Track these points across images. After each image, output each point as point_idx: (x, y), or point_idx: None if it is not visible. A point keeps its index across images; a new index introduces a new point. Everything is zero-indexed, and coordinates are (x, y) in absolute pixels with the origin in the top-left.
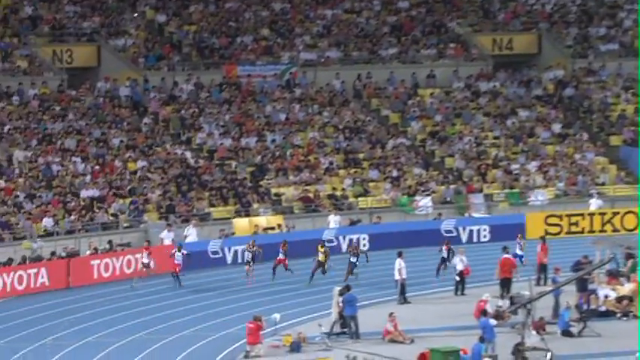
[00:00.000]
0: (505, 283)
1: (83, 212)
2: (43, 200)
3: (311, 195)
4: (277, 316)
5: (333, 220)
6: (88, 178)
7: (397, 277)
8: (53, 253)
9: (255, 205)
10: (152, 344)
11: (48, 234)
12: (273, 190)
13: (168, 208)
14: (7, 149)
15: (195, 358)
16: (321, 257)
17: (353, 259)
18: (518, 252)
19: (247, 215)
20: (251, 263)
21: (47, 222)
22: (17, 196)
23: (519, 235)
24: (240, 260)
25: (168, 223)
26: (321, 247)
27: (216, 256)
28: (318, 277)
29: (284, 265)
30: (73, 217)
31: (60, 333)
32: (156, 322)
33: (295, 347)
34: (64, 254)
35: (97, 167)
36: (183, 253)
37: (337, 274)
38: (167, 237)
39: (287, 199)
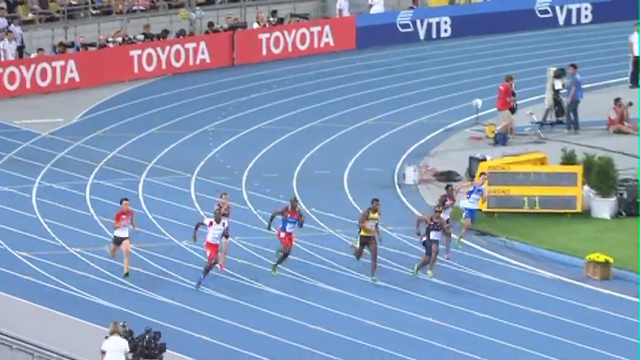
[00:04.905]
0: None
1: None
2: None
3: None
4: (479, 101)
5: None
6: None
7: (630, 53)
8: (211, 25)
9: None
10: (329, 135)
11: (208, 1)
12: None
13: None
14: None
15: (381, 150)
16: (367, 228)
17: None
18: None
19: None
20: (224, 234)
21: None
22: None
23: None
24: (434, 35)
25: None
26: (374, 210)
27: (407, 30)
28: (525, 61)
29: (285, 247)
30: None
31: (222, 119)
32: (333, 109)
33: (500, 139)
34: (226, 26)
35: None
36: (224, 227)
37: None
38: (345, 7)
39: None
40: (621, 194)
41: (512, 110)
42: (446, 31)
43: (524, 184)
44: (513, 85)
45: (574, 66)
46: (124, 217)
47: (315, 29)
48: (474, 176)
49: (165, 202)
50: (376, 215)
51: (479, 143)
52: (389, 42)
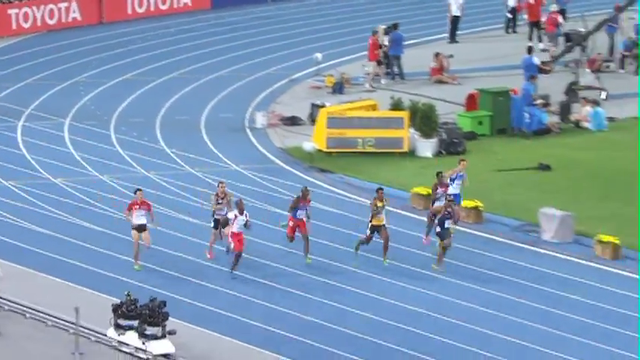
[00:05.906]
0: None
1: None
2: None
3: None
4: (319, 55)
5: None
6: None
7: (449, 13)
8: None
9: None
10: (187, 84)
11: None
12: None
13: None
14: None
15: (233, 98)
16: (378, 218)
17: None
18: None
19: None
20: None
21: None
22: None
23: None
24: None
25: None
26: (380, 199)
27: None
28: (360, 20)
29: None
30: None
31: (92, 71)
32: (191, 62)
33: (338, 88)
34: None
35: None
36: (246, 218)
37: None
38: None
39: None
40: (441, 135)
41: (379, 62)
42: None
43: (358, 128)
44: (380, 38)
45: (395, 25)
46: (136, 207)
47: None
48: (314, 120)
49: (41, 144)
50: (383, 203)
51: (319, 92)
52: (240, 3)
